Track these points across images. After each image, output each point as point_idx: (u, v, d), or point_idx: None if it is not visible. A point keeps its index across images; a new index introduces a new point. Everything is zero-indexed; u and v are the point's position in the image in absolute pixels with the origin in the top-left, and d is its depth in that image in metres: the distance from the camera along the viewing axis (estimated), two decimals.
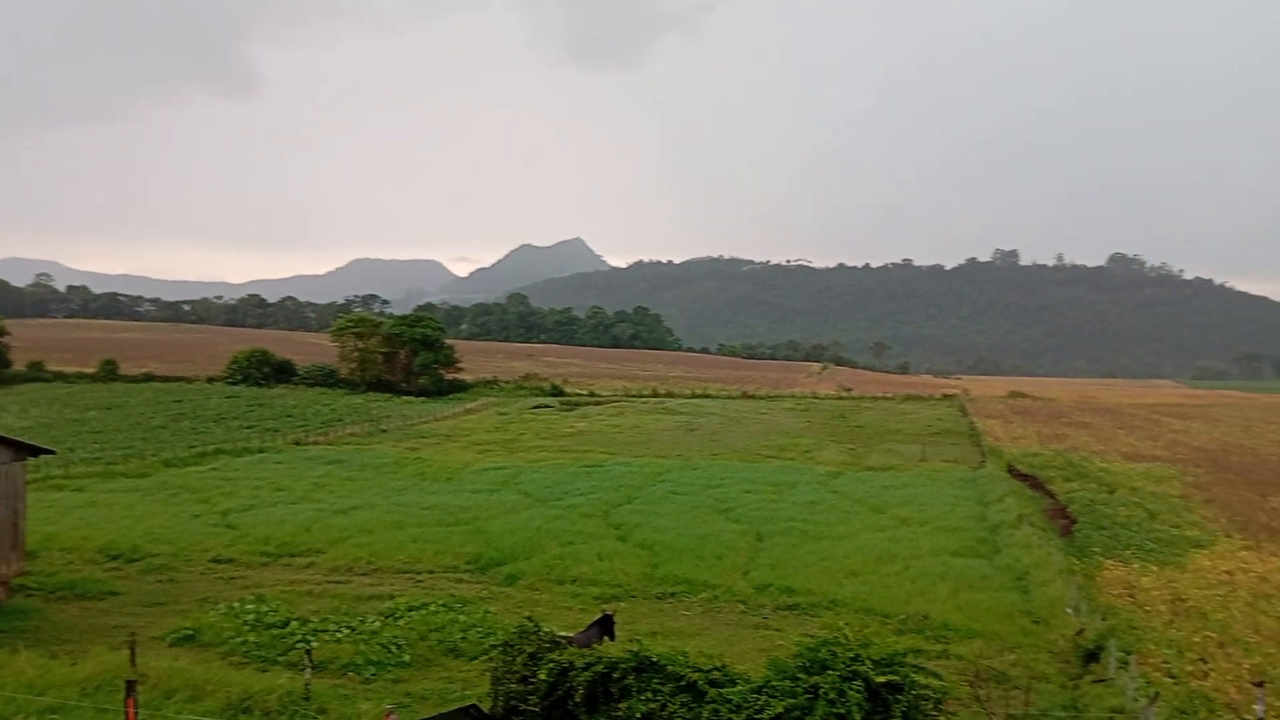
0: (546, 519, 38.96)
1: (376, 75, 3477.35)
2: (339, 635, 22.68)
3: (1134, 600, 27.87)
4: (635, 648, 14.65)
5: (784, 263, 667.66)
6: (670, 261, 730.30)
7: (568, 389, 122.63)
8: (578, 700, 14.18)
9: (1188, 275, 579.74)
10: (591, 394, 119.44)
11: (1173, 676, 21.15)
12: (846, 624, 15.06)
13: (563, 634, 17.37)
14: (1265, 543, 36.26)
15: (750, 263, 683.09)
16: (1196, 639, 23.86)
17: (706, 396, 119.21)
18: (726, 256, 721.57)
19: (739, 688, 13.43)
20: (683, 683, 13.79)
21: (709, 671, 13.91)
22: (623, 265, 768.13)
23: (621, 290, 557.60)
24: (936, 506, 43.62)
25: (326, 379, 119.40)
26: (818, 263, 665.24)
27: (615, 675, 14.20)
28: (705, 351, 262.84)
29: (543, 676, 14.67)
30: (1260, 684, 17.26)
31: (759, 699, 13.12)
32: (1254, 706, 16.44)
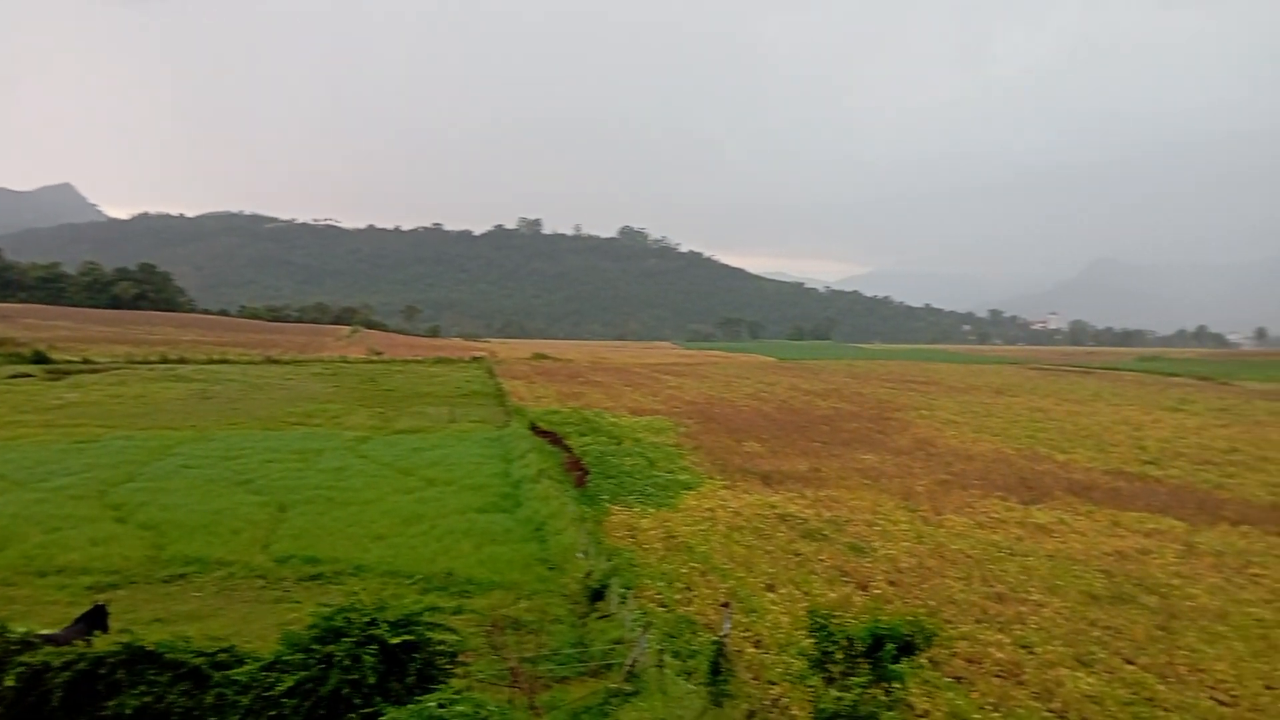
0: (24, 504, 33.80)
1: None
2: None
3: (635, 541, 30.88)
4: (127, 638, 13.27)
5: (311, 221, 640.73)
6: (182, 215, 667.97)
7: (55, 355, 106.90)
8: (54, 704, 12.54)
9: (683, 248, 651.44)
10: (86, 360, 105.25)
11: (665, 605, 23.81)
12: (364, 589, 14.92)
13: (42, 632, 15.25)
14: (739, 482, 42.08)
15: (274, 220, 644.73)
16: (684, 570, 27.09)
17: (225, 362, 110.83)
18: (248, 212, 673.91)
19: (247, 667, 12.75)
20: (183, 670, 12.78)
21: (214, 655, 13.03)
22: (124, 217, 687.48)
23: (123, 244, 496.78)
24: (464, 466, 44.70)
25: None
26: (347, 223, 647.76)
27: (102, 671, 12.75)
28: (224, 314, 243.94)
29: (10, 683, 12.75)
30: (726, 605, 20.05)
31: (269, 676, 12.57)
32: (723, 624, 19.00)
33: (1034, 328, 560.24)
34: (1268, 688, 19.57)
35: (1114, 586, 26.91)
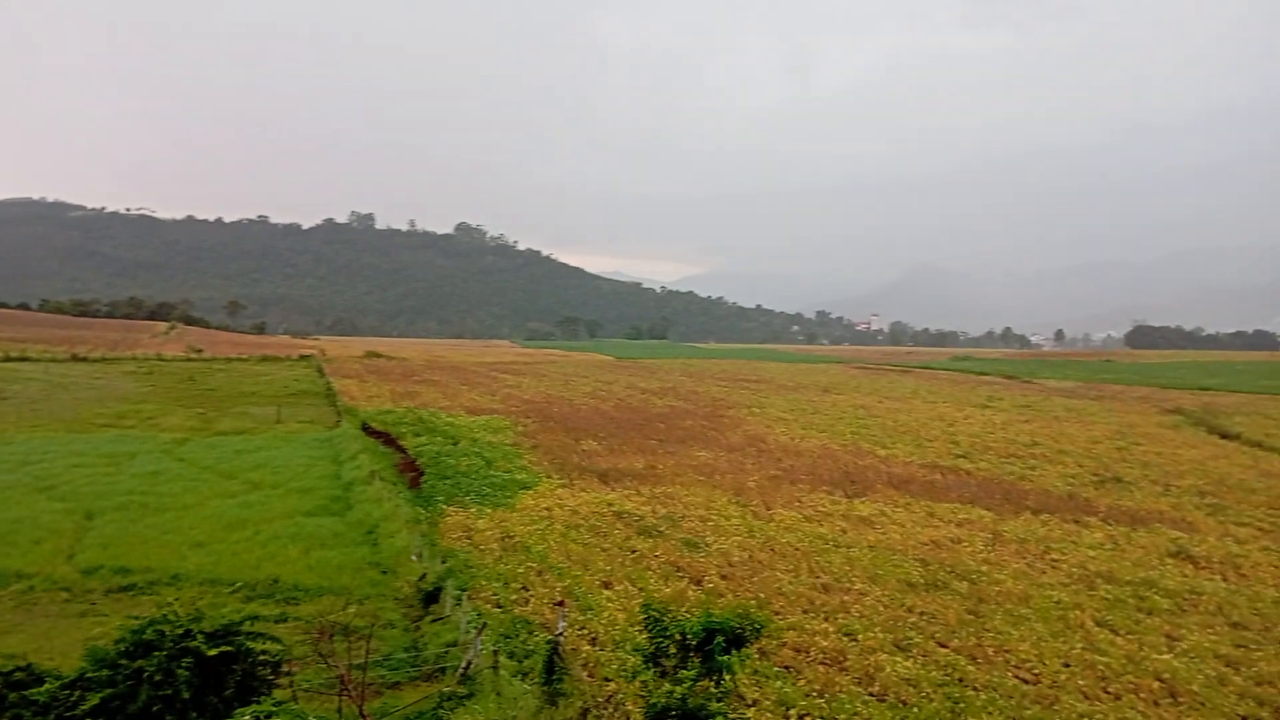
0: None
1: None
2: None
3: (471, 542, 30.50)
4: None
5: (123, 211, 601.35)
6: None
7: None
8: None
9: (521, 246, 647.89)
10: None
11: (501, 606, 23.60)
12: (180, 599, 14.12)
13: None
14: (577, 480, 42.18)
15: (81, 208, 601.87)
16: (520, 570, 26.94)
17: (25, 360, 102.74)
18: (50, 199, 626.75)
19: (47, 686, 11.86)
20: None
21: (10, 674, 12.07)
22: None
23: None
24: (291, 468, 43.06)
25: None
26: (163, 213, 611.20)
27: None
28: (24, 308, 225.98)
29: None
30: (560, 604, 20.04)
31: (71, 695, 11.73)
32: (559, 623, 18.99)
33: (858, 328, 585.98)
34: (1065, 665, 21.09)
35: (929, 574, 28.41)
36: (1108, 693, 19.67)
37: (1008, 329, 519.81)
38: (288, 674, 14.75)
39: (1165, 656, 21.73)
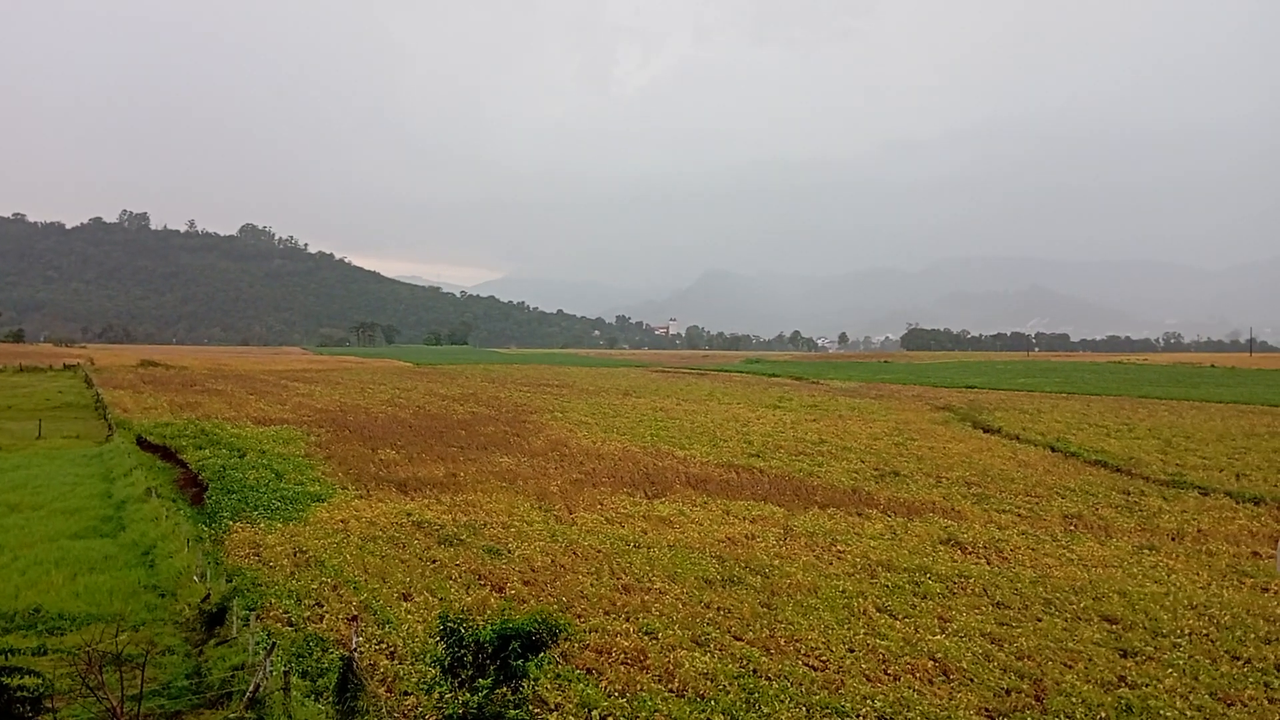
0: None
1: None
2: None
3: (260, 558, 29.01)
4: None
5: None
6: None
7: None
8: None
9: (312, 249, 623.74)
10: None
11: (293, 624, 22.56)
12: None
13: None
14: (375, 491, 40.98)
15: None
16: (314, 586, 25.85)
17: None
18: None
19: None
20: None
21: None
22: None
23: None
24: (55, 488, 39.69)
25: None
26: None
27: None
28: None
29: None
30: (354, 619, 19.45)
31: None
32: (353, 638, 18.41)
33: (657, 333, 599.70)
34: (850, 650, 22.28)
35: (725, 570, 29.35)
36: (888, 674, 20.92)
37: (796, 333, 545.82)
38: (50, 710, 13.59)
39: (938, 637, 23.33)
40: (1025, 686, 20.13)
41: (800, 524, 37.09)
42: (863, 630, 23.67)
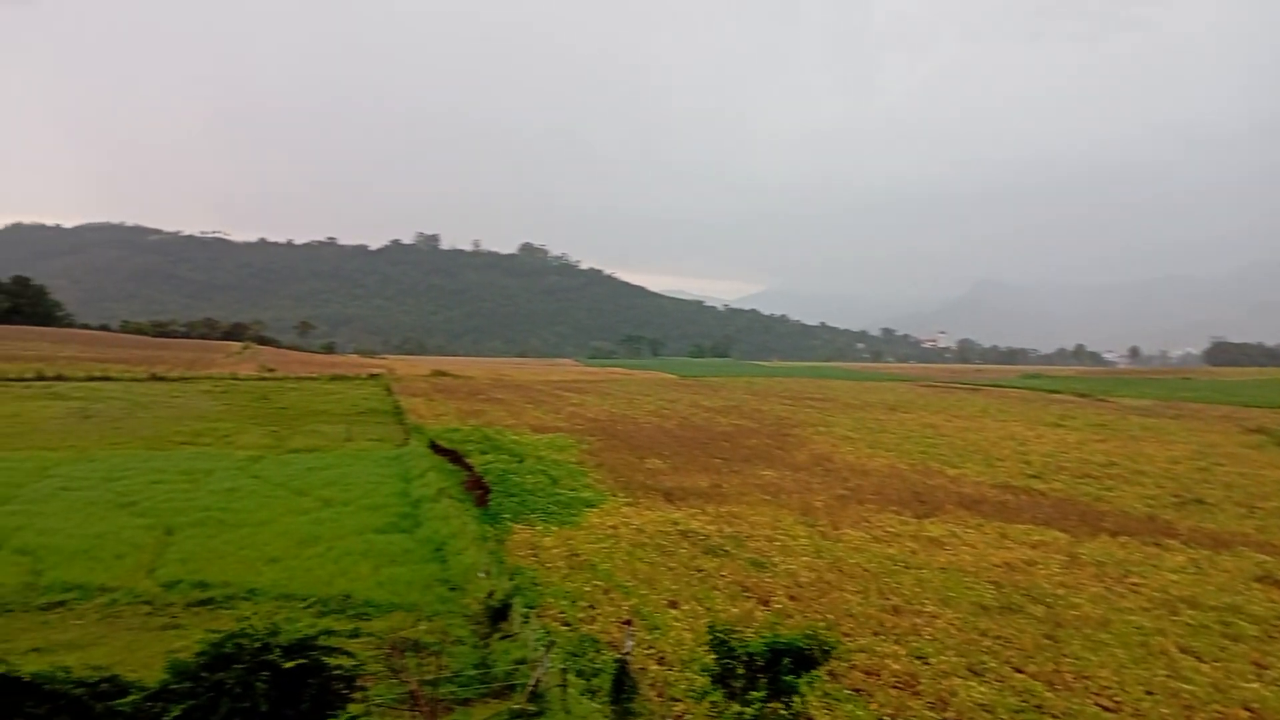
0: None
1: None
2: None
3: (538, 559, 30.63)
4: (3, 669, 12.51)
5: (198, 234, 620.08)
6: (58, 226, 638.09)
7: None
8: None
9: (584, 265, 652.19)
10: None
11: (568, 624, 23.63)
12: (257, 613, 14.41)
13: None
14: (642, 499, 42.17)
15: (159, 232, 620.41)
16: (587, 588, 26.95)
17: (107, 379, 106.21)
18: (130, 224, 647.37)
19: (131, 697, 12.15)
20: (63, 702, 12.11)
21: (96, 685, 12.38)
22: None
23: None
24: (361, 486, 43.73)
25: None
26: (237, 236, 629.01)
27: None
28: (105, 329, 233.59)
29: None
30: (628, 622, 20.01)
31: (155, 706, 12.01)
32: (626, 642, 18.94)
33: (924, 346, 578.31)
34: (1148, 693, 20.43)
35: (1003, 597, 27.78)
36: None
37: (1080, 346, 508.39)
38: (361, 689, 14.92)
39: (1253, 685, 20.92)
40: None
41: (1087, 552, 34.49)
42: (1163, 671, 21.64)
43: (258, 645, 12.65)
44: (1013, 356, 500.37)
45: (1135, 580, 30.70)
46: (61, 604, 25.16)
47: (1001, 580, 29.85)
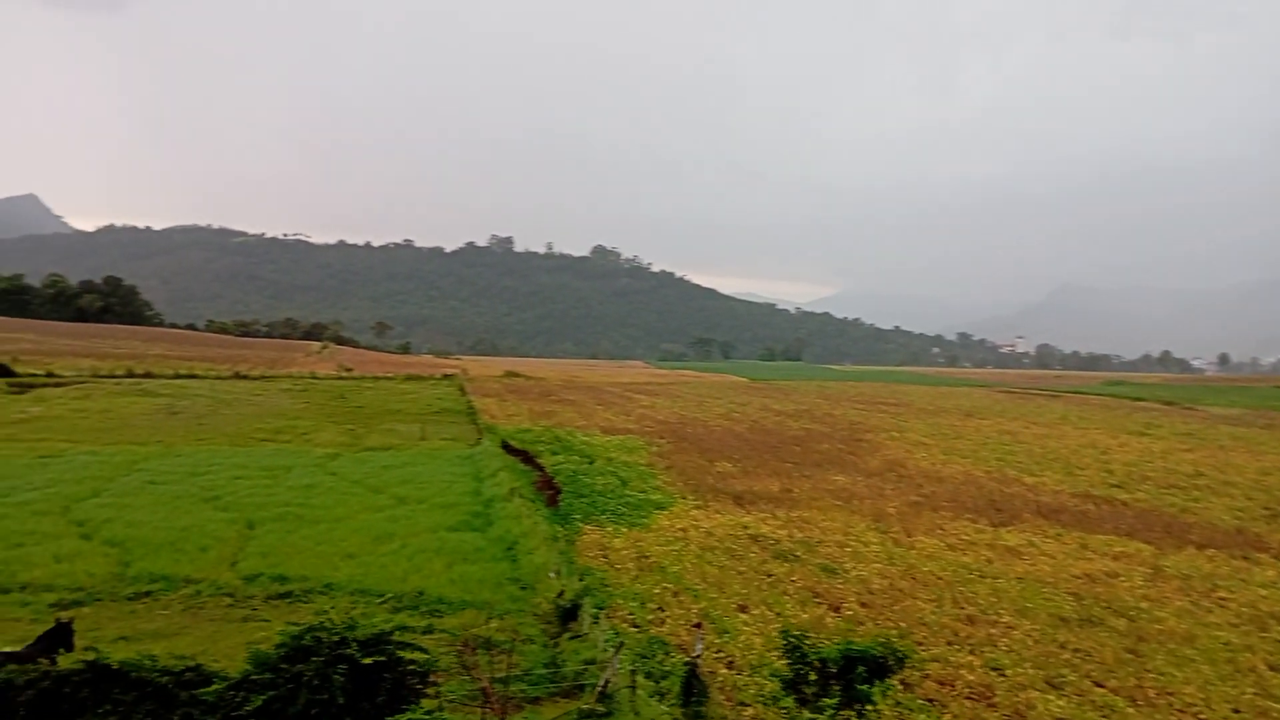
0: None
1: None
2: None
3: (607, 560, 30.73)
4: (92, 656, 13.00)
5: (281, 236, 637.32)
6: (149, 228, 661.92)
7: (18, 368, 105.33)
8: None
9: (655, 268, 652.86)
10: (50, 374, 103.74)
11: (637, 625, 23.66)
12: (334, 607, 14.74)
13: (4, 650, 15.01)
14: (711, 502, 42.04)
15: (243, 234, 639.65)
16: (656, 590, 26.95)
17: (193, 377, 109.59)
18: (216, 226, 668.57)
19: (215, 687, 12.55)
20: (149, 689, 12.54)
21: (181, 674, 12.80)
22: (90, 229, 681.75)
23: (89, 257, 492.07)
24: (435, 484, 44.41)
25: None
26: (317, 238, 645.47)
27: (66, 690, 12.49)
28: (191, 328, 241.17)
29: None
30: (698, 625, 19.97)
31: (237, 695, 12.38)
32: (696, 645, 18.91)
33: (1001, 351, 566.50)
34: (1235, 711, 19.72)
35: (1083, 609, 27.06)
36: None
37: (1166, 352, 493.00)
38: (434, 684, 15.16)
39: None
40: None
41: (1172, 565, 33.43)
42: (1250, 689, 20.89)
43: (335, 639, 12.94)
44: (1094, 363, 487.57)
45: (1223, 595, 29.65)
46: (148, 594, 26.00)
47: (1081, 592, 29.08)
